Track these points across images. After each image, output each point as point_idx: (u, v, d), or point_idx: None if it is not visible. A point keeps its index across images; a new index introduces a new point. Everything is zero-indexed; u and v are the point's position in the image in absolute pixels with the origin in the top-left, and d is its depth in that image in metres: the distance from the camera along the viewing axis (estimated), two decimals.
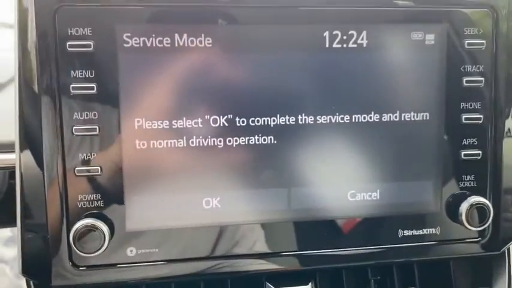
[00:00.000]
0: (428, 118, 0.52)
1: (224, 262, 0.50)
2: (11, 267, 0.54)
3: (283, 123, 0.50)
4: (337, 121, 0.51)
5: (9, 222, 0.52)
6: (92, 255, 0.46)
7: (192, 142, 0.49)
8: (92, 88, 0.46)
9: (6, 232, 0.56)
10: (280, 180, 0.51)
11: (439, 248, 0.54)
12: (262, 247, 0.51)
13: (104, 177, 0.47)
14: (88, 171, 0.47)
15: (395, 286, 0.58)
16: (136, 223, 0.48)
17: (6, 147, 0.54)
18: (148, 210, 0.49)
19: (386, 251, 0.53)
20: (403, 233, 0.53)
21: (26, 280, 0.50)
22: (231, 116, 0.49)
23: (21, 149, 0.46)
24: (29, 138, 0.46)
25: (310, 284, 0.53)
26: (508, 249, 0.58)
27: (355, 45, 0.50)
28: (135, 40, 0.46)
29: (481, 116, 0.52)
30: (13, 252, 0.52)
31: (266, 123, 0.50)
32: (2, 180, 0.58)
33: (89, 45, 0.45)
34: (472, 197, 0.52)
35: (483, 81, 0.52)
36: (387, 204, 0.53)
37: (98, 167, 0.47)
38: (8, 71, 0.69)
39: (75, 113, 0.46)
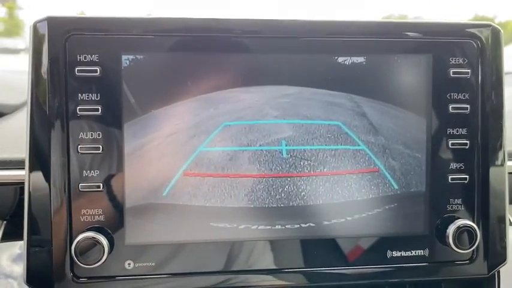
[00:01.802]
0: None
1: (214, 277, 0.52)
2: (18, 283, 0.57)
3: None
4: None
5: (20, 235, 0.55)
6: (92, 266, 0.48)
7: None
8: (97, 110, 0.49)
9: (15, 250, 0.59)
10: (275, 199, 0.53)
11: (427, 269, 0.55)
12: (252, 263, 0.53)
13: (106, 194, 0.50)
14: (91, 187, 0.50)
15: None
16: (135, 238, 0.51)
17: (18, 164, 0.58)
18: (146, 226, 0.51)
19: (376, 271, 0.54)
20: (392, 254, 0.55)
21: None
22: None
23: (31, 166, 0.49)
24: (38, 156, 0.49)
25: None
26: (498, 272, 0.59)
27: None
28: (139, 67, 0.50)
29: (467, 142, 0.54)
30: (21, 269, 0.56)
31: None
32: (14, 195, 0.61)
33: (95, 71, 0.49)
34: (459, 220, 0.53)
35: (468, 108, 0.54)
36: (377, 226, 0.54)
37: (100, 184, 0.50)
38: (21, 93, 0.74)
39: (81, 133, 0.49)
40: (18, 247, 0.58)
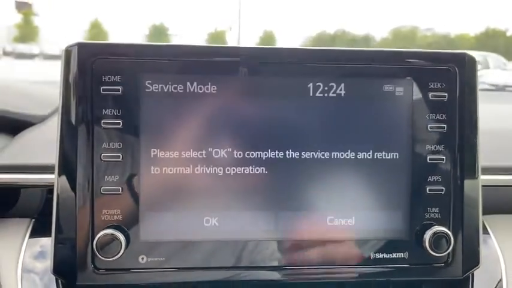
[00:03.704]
0: (397, 157, 0.61)
1: (218, 272, 0.59)
2: (40, 278, 0.64)
3: (273, 156, 0.60)
4: (318, 157, 0.60)
5: (45, 232, 0.62)
6: (110, 259, 0.56)
7: (197, 170, 0.59)
8: (119, 123, 0.57)
9: (37, 248, 0.66)
10: (269, 205, 0.60)
11: (406, 270, 0.62)
12: (251, 261, 0.60)
13: (124, 196, 0.58)
14: (111, 190, 0.57)
15: None
16: (148, 235, 0.59)
17: (45, 169, 0.66)
18: (158, 225, 0.59)
19: (360, 270, 0.61)
20: (375, 256, 0.61)
21: (56, 279, 0.60)
22: (230, 149, 0.59)
23: (60, 171, 0.57)
24: (66, 162, 0.57)
25: None
26: (472, 274, 0.65)
27: (334, 95, 0.60)
28: (155, 86, 0.58)
29: (444, 157, 0.61)
30: (42, 266, 0.63)
31: (259, 156, 0.60)
32: (41, 196, 0.69)
33: (117, 90, 0.57)
34: (435, 227, 0.60)
35: (445, 128, 0.61)
36: (361, 230, 0.61)
37: (120, 188, 0.57)
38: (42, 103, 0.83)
39: (104, 143, 0.57)
40: (45, 242, 0.65)
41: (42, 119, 0.82)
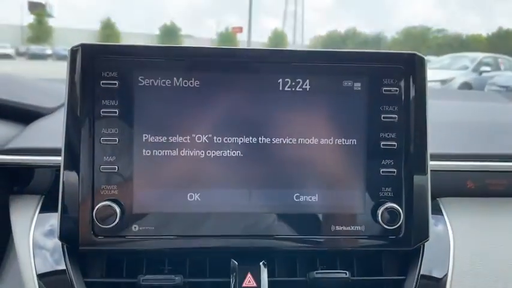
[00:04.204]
0: (355, 143, 0.71)
1: (200, 240, 0.69)
2: (49, 245, 0.74)
3: (248, 142, 0.70)
4: (287, 143, 0.70)
5: (54, 208, 0.72)
6: (107, 227, 0.66)
7: (182, 152, 0.69)
8: (115, 112, 0.67)
9: (46, 220, 0.76)
10: (244, 183, 0.70)
11: (363, 241, 0.71)
12: (228, 231, 0.70)
13: (120, 174, 0.68)
14: (109, 169, 0.68)
15: (337, 268, 0.75)
16: (140, 208, 0.69)
17: (54, 152, 0.76)
18: (149, 199, 0.69)
19: (322, 241, 0.71)
20: (335, 228, 0.71)
21: (62, 245, 0.71)
22: (211, 135, 0.69)
23: (65, 152, 0.68)
24: (71, 145, 0.67)
25: (262, 262, 0.71)
26: (423, 247, 0.74)
27: (301, 89, 0.70)
28: (147, 81, 0.68)
29: (396, 143, 0.71)
30: (51, 235, 0.74)
31: (235, 141, 0.70)
32: (51, 176, 0.79)
33: (114, 84, 0.67)
34: (387, 203, 0.69)
35: (397, 117, 0.70)
36: (323, 205, 0.71)
37: (116, 166, 0.68)
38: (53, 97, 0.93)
39: (103, 129, 0.68)
40: (53, 216, 0.75)
41: (52, 111, 0.93)
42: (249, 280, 0.68)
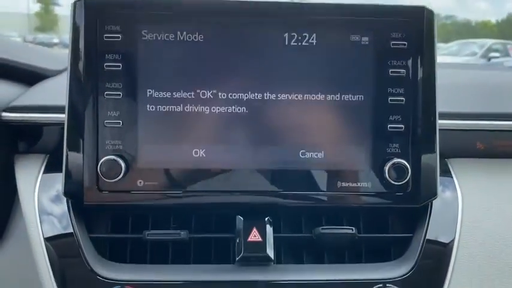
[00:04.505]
0: (362, 99, 0.70)
1: (205, 196, 0.69)
2: (54, 202, 0.72)
3: (253, 98, 0.69)
4: (292, 99, 0.69)
5: (60, 165, 0.71)
6: (112, 181, 0.66)
7: (187, 108, 0.68)
8: (119, 66, 0.67)
9: (51, 178, 0.76)
10: (249, 140, 0.69)
11: (369, 198, 0.70)
12: (234, 187, 0.69)
13: (124, 129, 0.67)
14: (113, 123, 0.67)
15: (343, 224, 0.74)
16: (145, 163, 0.68)
17: (60, 110, 0.76)
18: (154, 155, 0.69)
19: (328, 197, 0.70)
20: (341, 184, 0.70)
21: (67, 201, 0.71)
22: (215, 91, 0.68)
23: (69, 105, 0.67)
24: (75, 99, 0.67)
25: (267, 218, 0.70)
26: (431, 205, 0.73)
27: (307, 44, 0.69)
28: (150, 35, 0.67)
29: (404, 98, 0.69)
30: (55, 192, 0.73)
31: (240, 97, 0.69)
32: (57, 134, 0.78)
33: (118, 37, 0.66)
34: (394, 159, 0.69)
35: (405, 72, 0.69)
36: (329, 162, 0.70)
37: (120, 121, 0.67)
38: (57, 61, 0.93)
39: (106, 83, 0.67)
40: (58, 174, 0.74)
41: (57, 73, 0.93)
42: (255, 235, 0.68)
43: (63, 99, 0.68)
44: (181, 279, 0.65)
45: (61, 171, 0.69)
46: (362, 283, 0.66)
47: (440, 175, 0.72)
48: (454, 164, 0.82)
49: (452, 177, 0.80)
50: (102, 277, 0.65)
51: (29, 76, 0.88)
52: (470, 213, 0.76)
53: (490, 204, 0.78)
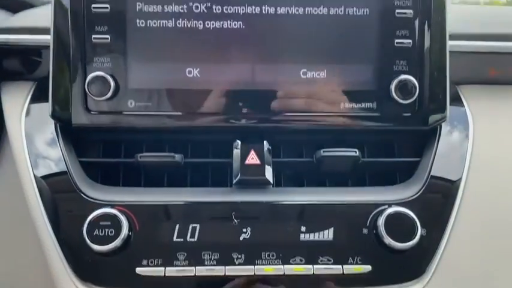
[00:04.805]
0: (368, 13, 0.65)
1: (200, 118, 0.65)
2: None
3: (250, 12, 0.64)
4: (293, 12, 0.64)
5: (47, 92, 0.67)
6: (100, 99, 0.62)
7: (179, 23, 0.64)
8: (107, 8, 0.62)
9: (38, 104, 0.72)
10: (246, 58, 0.65)
11: (376, 119, 0.65)
12: (231, 109, 0.65)
13: (112, 45, 0.63)
14: (100, 39, 0.63)
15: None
16: (135, 83, 0.64)
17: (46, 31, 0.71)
18: (145, 74, 0.64)
19: (330, 119, 0.66)
20: (345, 105, 0.66)
21: (55, 125, 0.67)
22: (209, 4, 0.64)
23: (55, 22, 0.63)
24: (60, 14, 0.63)
25: (265, 141, 0.66)
26: (440, 129, 0.69)
27: None
28: None
29: (411, 11, 0.64)
30: (43, 117, 0.67)
31: (236, 11, 0.64)
32: (43, 63, 0.74)
33: None
34: (401, 75, 0.64)
35: None
36: (332, 82, 0.65)
37: (108, 36, 0.63)
38: None
39: (93, 4, 0.62)
40: (45, 100, 0.69)
41: (43, 3, 0.88)
42: (252, 157, 0.64)
43: (49, 22, 0.64)
44: (174, 200, 0.62)
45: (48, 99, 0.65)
46: (365, 205, 0.62)
47: (451, 102, 0.68)
48: (465, 91, 0.77)
49: (463, 103, 0.75)
50: (90, 198, 0.62)
51: (14, 3, 0.83)
52: (481, 142, 0.72)
53: (502, 133, 0.74)
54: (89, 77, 0.62)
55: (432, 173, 0.66)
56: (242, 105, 0.65)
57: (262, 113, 0.65)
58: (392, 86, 0.64)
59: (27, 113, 0.71)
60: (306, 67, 0.65)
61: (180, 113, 0.65)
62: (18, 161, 0.67)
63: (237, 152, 0.65)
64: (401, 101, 0.64)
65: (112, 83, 0.62)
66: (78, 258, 0.61)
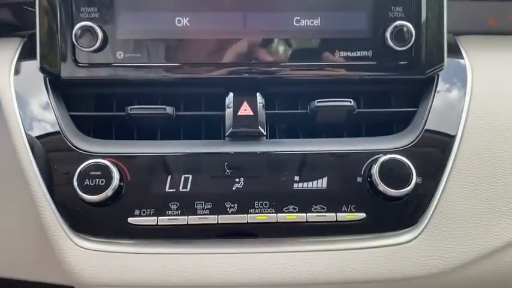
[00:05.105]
0: None
1: (191, 68, 0.63)
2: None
3: None
4: None
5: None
6: (89, 49, 0.61)
7: None
8: None
9: (27, 61, 0.69)
10: (237, 5, 0.63)
11: (371, 67, 0.64)
12: (222, 59, 0.63)
13: None
14: None
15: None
16: (124, 33, 0.63)
17: None
18: (133, 24, 0.63)
19: (325, 68, 0.64)
20: (340, 54, 0.64)
21: (44, 79, 0.66)
22: None
23: None
24: None
25: (258, 93, 0.64)
26: (438, 79, 0.68)
27: None
28: None
29: None
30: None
31: None
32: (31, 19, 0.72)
33: None
34: (397, 21, 0.62)
35: None
36: (326, 30, 0.64)
37: None
38: None
39: None
40: (33, 57, 0.68)
41: None
42: (245, 109, 0.63)
43: None
44: (167, 151, 0.61)
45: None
46: (360, 154, 0.62)
47: (449, 52, 0.66)
48: (463, 41, 0.75)
49: (461, 54, 0.73)
50: (81, 150, 0.61)
51: None
52: (479, 93, 0.70)
53: (500, 84, 0.72)
54: (76, 27, 0.60)
55: (428, 123, 0.65)
56: (233, 55, 0.64)
57: (254, 64, 0.64)
58: (388, 33, 0.62)
59: (16, 69, 0.69)
60: (299, 15, 0.64)
61: (169, 64, 0.64)
62: (8, 117, 0.66)
63: (229, 104, 0.64)
64: (397, 48, 0.63)
65: (100, 34, 0.61)
66: (70, 209, 0.60)
